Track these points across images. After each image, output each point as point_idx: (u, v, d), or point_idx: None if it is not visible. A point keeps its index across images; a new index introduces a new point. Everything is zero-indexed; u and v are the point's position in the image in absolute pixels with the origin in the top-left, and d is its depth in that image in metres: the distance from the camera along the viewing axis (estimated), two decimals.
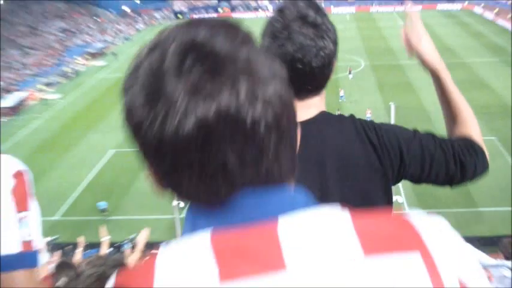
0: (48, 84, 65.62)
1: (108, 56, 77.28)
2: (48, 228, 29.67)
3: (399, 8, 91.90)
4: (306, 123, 1.95)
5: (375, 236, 0.95)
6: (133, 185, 37.01)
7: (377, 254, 0.92)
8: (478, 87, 48.63)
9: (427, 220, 1.24)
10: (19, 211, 2.29)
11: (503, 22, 78.92)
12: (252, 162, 0.94)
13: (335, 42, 2.01)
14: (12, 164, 2.38)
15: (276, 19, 1.98)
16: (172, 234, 29.32)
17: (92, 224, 31.96)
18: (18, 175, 2.35)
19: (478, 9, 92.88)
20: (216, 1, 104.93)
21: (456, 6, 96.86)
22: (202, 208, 1.00)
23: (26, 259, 2.25)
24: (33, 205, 2.37)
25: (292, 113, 1.01)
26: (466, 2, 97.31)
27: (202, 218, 0.99)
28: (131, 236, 29.55)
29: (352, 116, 2.16)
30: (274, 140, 0.94)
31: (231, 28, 0.99)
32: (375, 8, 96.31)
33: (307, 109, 2.03)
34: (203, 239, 0.93)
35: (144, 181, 36.73)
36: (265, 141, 0.93)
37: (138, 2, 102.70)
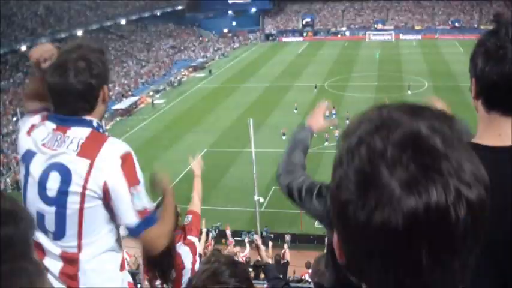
0: (156, 91, 67.09)
1: (206, 69, 78.33)
2: None
3: (459, 37, 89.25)
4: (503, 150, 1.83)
5: None
6: (221, 180, 37.28)
7: None
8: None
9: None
10: (130, 186, 2.43)
11: None
12: (444, 263, 0.86)
13: None
14: (119, 146, 2.50)
15: (489, 40, 1.83)
16: (252, 224, 29.28)
17: (183, 212, 32.35)
18: (125, 155, 2.46)
19: None
20: (302, 27, 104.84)
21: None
22: None
23: (144, 224, 2.47)
24: (142, 178, 2.50)
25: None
26: None
27: None
28: (216, 224, 29.83)
29: None
30: (468, 244, 0.87)
31: (451, 124, 0.92)
32: (438, 36, 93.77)
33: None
34: None
35: (230, 177, 37.29)
36: (461, 244, 0.86)
37: (234, 24, 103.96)
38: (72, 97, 2.46)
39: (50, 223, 2.44)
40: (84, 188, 2.38)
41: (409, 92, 55.18)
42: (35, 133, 2.53)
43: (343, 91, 57.91)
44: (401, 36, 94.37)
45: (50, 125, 2.51)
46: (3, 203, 0.90)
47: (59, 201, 2.40)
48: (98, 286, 2.51)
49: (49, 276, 2.40)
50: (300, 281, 17.04)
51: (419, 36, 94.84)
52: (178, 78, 73.47)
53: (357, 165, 0.89)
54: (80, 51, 2.51)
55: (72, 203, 2.40)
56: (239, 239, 26.32)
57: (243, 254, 18.56)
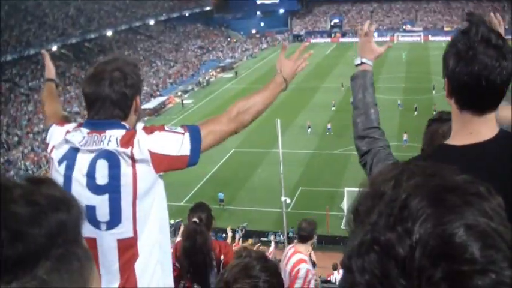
0: (184, 91, 67.50)
1: (234, 70, 78.51)
2: (175, 211, 30.38)
3: None
4: (490, 143, 1.93)
5: None
6: (249, 180, 37.33)
7: None
8: None
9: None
10: (161, 130, 2.63)
11: None
12: None
13: None
14: (142, 125, 2.68)
15: (460, 40, 1.94)
16: (279, 225, 29.27)
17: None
18: (146, 127, 2.66)
19: None
20: (330, 28, 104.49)
21: None
22: None
23: (191, 128, 2.70)
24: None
25: None
26: None
27: None
28: (243, 224, 29.90)
29: None
30: None
31: (488, 207, 0.80)
32: None
33: (485, 124, 1.95)
34: None
35: (257, 178, 37.33)
36: None
37: (262, 25, 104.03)
38: (106, 105, 2.58)
39: (103, 213, 2.48)
40: (133, 161, 2.48)
41: (433, 92, 55.15)
42: (70, 136, 2.60)
43: None
44: (430, 38, 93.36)
45: (85, 130, 2.59)
46: (56, 191, 0.95)
47: (111, 186, 2.47)
48: (152, 270, 2.57)
49: (103, 269, 2.48)
50: (327, 282, 16.99)
51: (448, 38, 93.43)
52: (207, 78, 73.81)
53: (368, 281, 0.78)
54: (116, 63, 2.65)
55: (125, 185, 2.47)
56: (265, 239, 26.42)
57: (267, 252, 18.63)
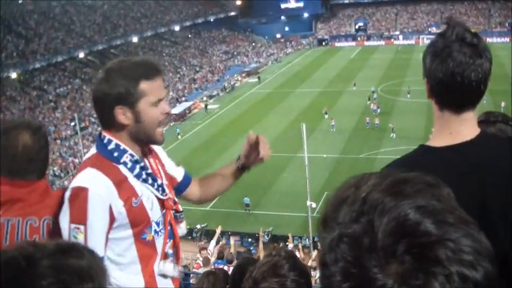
0: (210, 96, 67.72)
1: (259, 74, 78.53)
2: (200, 216, 30.50)
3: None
4: (470, 144, 1.92)
5: None
6: (274, 185, 37.28)
7: None
8: None
9: None
10: (71, 222, 2.34)
11: None
12: None
13: (491, 62, 1.95)
14: (80, 179, 2.39)
15: (437, 40, 1.96)
16: (304, 230, 29.19)
17: (236, 216, 32.49)
18: (79, 190, 2.35)
19: None
20: (355, 32, 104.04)
21: None
22: None
23: None
24: (91, 220, 2.36)
25: None
26: None
27: None
28: (269, 229, 29.89)
29: None
30: None
31: (438, 193, 0.88)
32: (492, 39, 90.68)
33: (464, 124, 1.96)
34: None
35: (282, 182, 37.24)
36: None
37: (287, 29, 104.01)
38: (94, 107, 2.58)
39: None
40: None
41: None
42: None
43: (397, 96, 57.23)
44: None
45: None
46: (83, 260, 0.98)
47: None
48: None
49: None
50: None
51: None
52: (232, 83, 74.01)
53: (343, 268, 0.82)
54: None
55: None
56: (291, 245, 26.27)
57: None
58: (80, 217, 2.32)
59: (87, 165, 2.43)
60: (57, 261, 0.97)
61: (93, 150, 2.52)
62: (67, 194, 2.35)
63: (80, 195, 2.32)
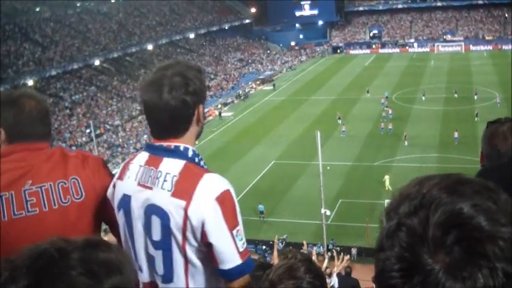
0: (224, 104, 67.93)
1: (274, 81, 78.61)
2: None
3: None
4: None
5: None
6: (288, 192, 37.22)
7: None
8: None
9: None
10: (231, 229, 2.28)
11: None
12: None
13: None
14: (216, 186, 2.32)
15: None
16: (319, 237, 29.12)
17: (251, 223, 32.46)
18: (223, 196, 2.28)
19: None
20: (369, 39, 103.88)
21: None
22: None
23: (247, 265, 2.32)
24: (240, 217, 2.35)
25: None
26: None
27: None
28: (283, 236, 29.83)
29: None
30: None
31: (496, 197, 0.92)
32: (508, 46, 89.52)
33: None
34: None
35: (297, 190, 37.19)
36: None
37: (301, 37, 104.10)
38: (166, 114, 2.37)
39: (159, 266, 2.39)
40: (184, 230, 2.28)
41: (475, 97, 55.97)
42: (127, 175, 2.53)
43: (412, 103, 56.95)
44: (471, 47, 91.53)
45: (143, 156, 2.50)
46: (111, 254, 1.03)
47: (164, 244, 2.34)
48: None
49: None
50: None
51: (490, 47, 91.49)
52: (246, 91, 74.11)
53: (398, 252, 0.90)
54: (177, 67, 2.46)
55: (176, 245, 2.32)
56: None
57: None
58: (234, 220, 2.32)
59: (198, 174, 2.35)
60: (87, 254, 1.03)
61: (177, 162, 2.38)
62: (212, 205, 2.27)
63: (226, 198, 2.30)
